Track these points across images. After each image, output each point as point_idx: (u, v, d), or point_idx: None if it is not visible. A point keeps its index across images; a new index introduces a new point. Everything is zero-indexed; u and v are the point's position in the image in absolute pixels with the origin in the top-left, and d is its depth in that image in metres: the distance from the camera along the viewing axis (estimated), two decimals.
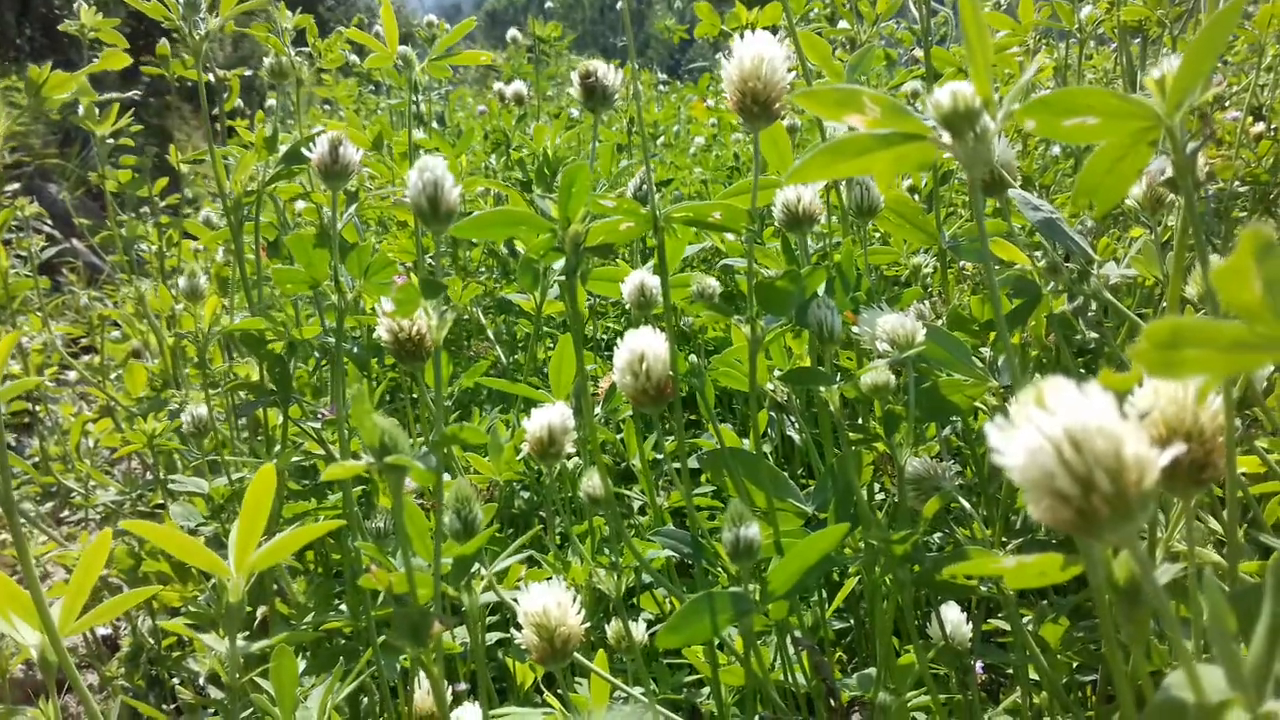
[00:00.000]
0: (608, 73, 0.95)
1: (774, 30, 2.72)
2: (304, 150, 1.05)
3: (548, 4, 6.32)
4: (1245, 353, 0.38)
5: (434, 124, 3.57)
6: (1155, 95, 0.69)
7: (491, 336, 2.47)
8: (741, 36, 0.95)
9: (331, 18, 25.10)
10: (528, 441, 0.99)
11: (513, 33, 3.70)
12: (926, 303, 1.30)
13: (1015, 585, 0.86)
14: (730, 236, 1.69)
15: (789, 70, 0.96)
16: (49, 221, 9.61)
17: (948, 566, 0.67)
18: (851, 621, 1.66)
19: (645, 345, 0.96)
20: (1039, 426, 0.42)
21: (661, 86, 6.79)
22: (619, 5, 4.09)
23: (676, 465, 2.11)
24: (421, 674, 1.08)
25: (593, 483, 1.04)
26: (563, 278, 0.95)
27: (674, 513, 1.79)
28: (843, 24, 2.30)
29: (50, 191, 9.20)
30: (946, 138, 0.62)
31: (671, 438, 2.16)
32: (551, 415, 0.98)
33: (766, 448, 2.23)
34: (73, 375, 3.25)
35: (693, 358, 2.39)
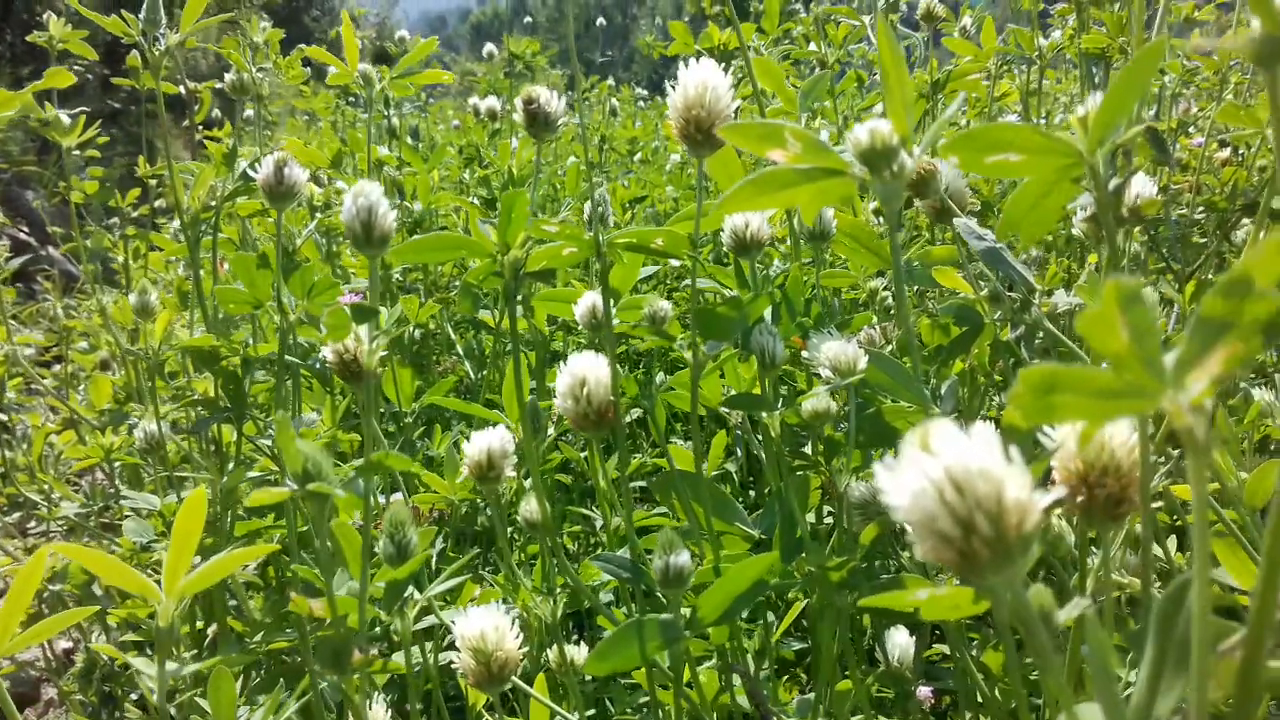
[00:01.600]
0: (550, 99, 0.95)
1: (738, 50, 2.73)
2: (249, 171, 1.05)
3: (526, 19, 6.33)
4: (1115, 399, 0.39)
5: (408, 138, 3.58)
6: (1078, 133, 0.70)
7: (460, 352, 2.47)
8: (686, 64, 0.95)
9: (317, 28, 25.06)
10: (466, 465, 0.99)
11: (489, 48, 3.71)
12: (878, 327, 1.31)
13: (930, 617, 0.86)
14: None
15: (734, 98, 0.97)
16: (25, 229, 9.56)
17: (867, 597, 0.68)
18: (810, 643, 1.67)
19: (587, 370, 0.97)
20: (923, 469, 0.43)
21: (641, 103, 6.81)
22: (599, 22, 4.12)
23: (633, 484, 2.12)
24: (377, 697, 1.08)
25: (530, 507, 1.04)
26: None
27: (636, 531, 1.79)
28: (813, 45, 2.32)
29: (27, 199, 9.15)
30: (865, 174, 0.63)
31: (637, 455, 2.16)
32: (491, 439, 0.98)
33: (731, 466, 2.24)
34: (48, 383, 3.23)
35: (660, 375, 2.41)
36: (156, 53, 1.42)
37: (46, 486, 2.61)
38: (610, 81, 4.58)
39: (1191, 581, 0.44)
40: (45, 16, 2.28)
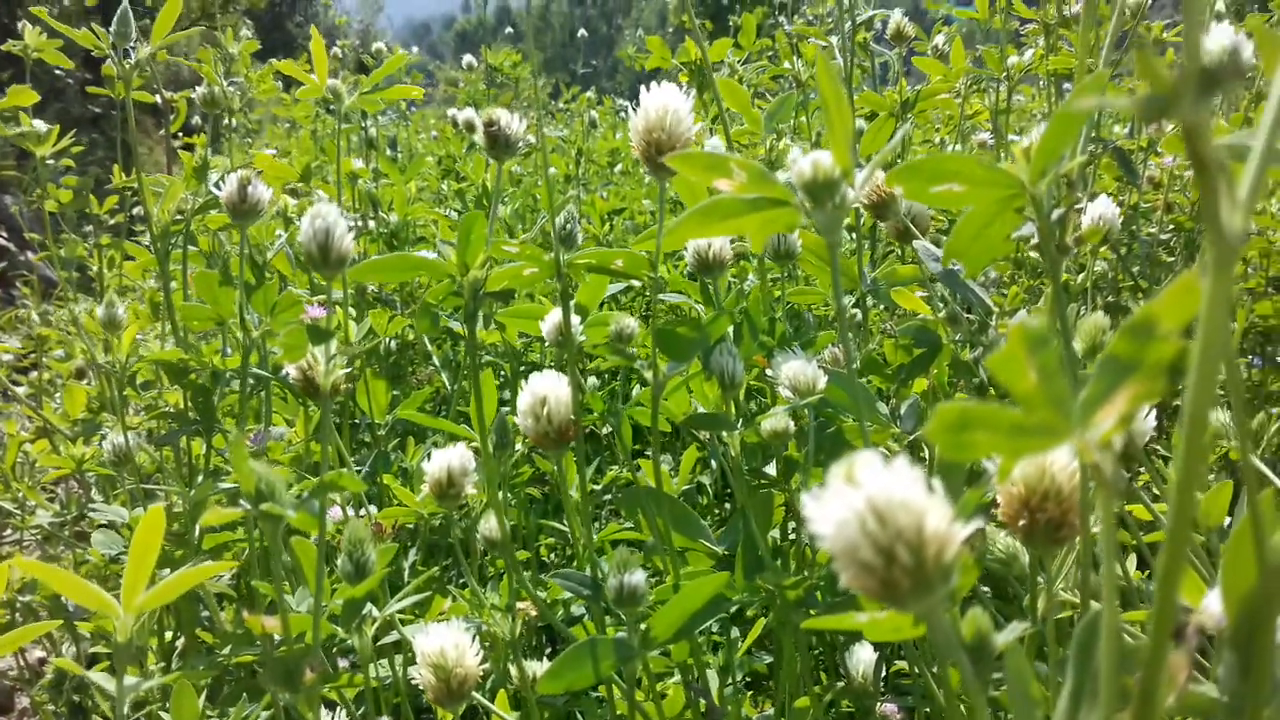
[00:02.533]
0: (511, 122, 0.97)
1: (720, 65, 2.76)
2: (213, 189, 1.06)
3: (508, 29, 6.35)
4: (1026, 437, 0.40)
5: (387, 149, 3.58)
6: (1021, 164, 0.71)
7: (437, 363, 2.48)
8: (648, 92, 0.96)
9: (300, 34, 24.99)
10: (426, 483, 1.00)
11: (468, 59, 3.72)
12: (840, 346, 1.32)
13: (873, 638, 0.88)
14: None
15: (697, 121, 0.98)
16: (4, 234, 9.48)
17: (812, 620, 0.69)
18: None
19: (548, 389, 0.98)
20: (846, 500, 0.44)
21: (623, 114, 6.83)
22: (580, 34, 4.13)
23: (607, 498, 2.12)
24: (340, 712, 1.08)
25: (489, 525, 1.05)
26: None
27: (599, 550, 1.80)
28: (790, 63, 2.34)
29: (5, 203, 9.09)
30: (809, 204, 0.64)
31: (614, 467, 2.17)
32: (450, 457, 0.99)
33: (706, 478, 2.25)
34: (23, 390, 3.21)
35: (636, 388, 2.41)
36: (127, 65, 1.43)
37: (20, 494, 2.61)
38: (590, 94, 4.59)
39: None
40: (21, 26, 2.29)
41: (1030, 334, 0.38)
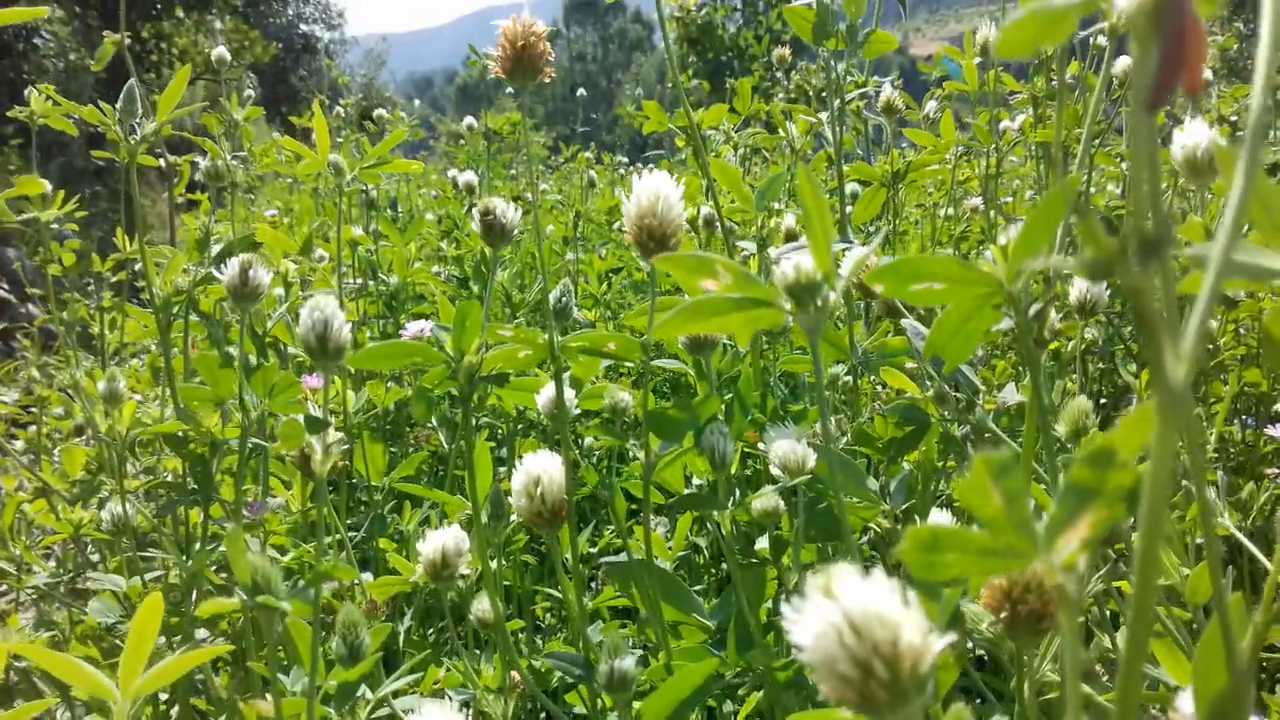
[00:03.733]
0: (506, 210, 0.99)
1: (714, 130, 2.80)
2: (215, 273, 1.08)
3: (508, 89, 6.43)
4: (993, 558, 0.42)
5: (387, 209, 3.62)
6: (998, 262, 0.73)
7: (435, 422, 2.49)
8: (640, 179, 0.99)
9: (304, 87, 25.26)
10: (420, 564, 1.01)
11: (469, 120, 3.78)
12: (832, 419, 1.34)
13: None
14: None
15: (685, 207, 1.00)
16: (5, 286, 9.53)
17: (798, 716, 0.70)
18: None
19: (542, 469, 0.99)
20: (824, 613, 0.46)
21: (621, 172, 6.90)
22: (579, 92, 4.19)
23: (604, 560, 2.12)
24: None
25: (482, 606, 1.06)
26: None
27: (594, 614, 1.80)
28: (782, 130, 2.38)
29: (8, 255, 9.14)
30: (792, 305, 0.66)
31: (612, 527, 2.18)
32: (445, 538, 1.01)
33: (703, 539, 2.26)
34: (20, 445, 3.23)
35: (638, 452, 2.43)
36: (133, 141, 1.46)
37: (17, 553, 2.61)
38: (589, 154, 4.64)
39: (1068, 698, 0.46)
40: (27, 92, 2.32)
41: (994, 462, 0.40)
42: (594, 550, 2.14)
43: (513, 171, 6.15)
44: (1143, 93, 0.31)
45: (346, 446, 1.13)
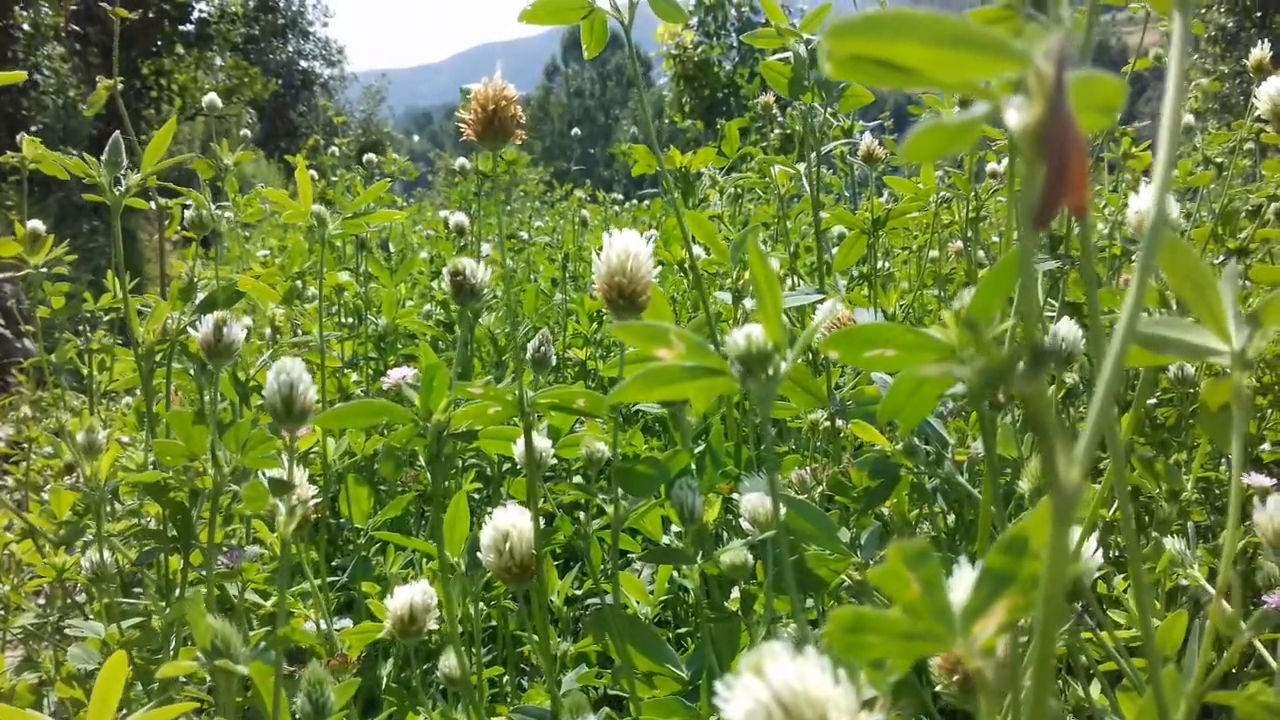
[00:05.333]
0: (476, 271, 1.01)
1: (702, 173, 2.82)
2: (190, 330, 1.09)
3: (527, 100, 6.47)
4: (913, 641, 0.43)
5: (378, 248, 3.64)
6: (951, 328, 0.75)
7: (423, 460, 2.50)
8: (610, 236, 1.01)
9: (303, 123, 25.37)
10: (389, 619, 1.02)
11: (461, 161, 3.81)
12: (809, 468, 1.35)
13: None
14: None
15: (655, 265, 1.02)
16: (0, 321, 9.55)
17: None
18: None
19: (511, 524, 1.00)
20: (753, 692, 0.46)
21: (616, 207, 6.94)
22: (574, 131, 4.24)
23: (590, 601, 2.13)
24: None
25: (449, 663, 1.07)
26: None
27: (579, 658, 1.80)
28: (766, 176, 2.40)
29: (5, 290, 9.16)
30: (744, 374, 0.68)
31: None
32: (413, 593, 1.01)
33: (690, 582, 2.26)
34: (10, 481, 3.23)
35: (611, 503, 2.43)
36: (117, 194, 1.48)
37: (4, 590, 2.61)
38: (581, 193, 4.68)
39: None
40: (20, 137, 2.35)
41: (908, 551, 0.41)
42: (579, 592, 2.15)
43: (509, 207, 6.19)
44: (1029, 211, 0.33)
45: (318, 500, 1.14)
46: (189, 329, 1.43)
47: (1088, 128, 0.36)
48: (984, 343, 0.36)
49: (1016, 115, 0.33)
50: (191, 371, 1.75)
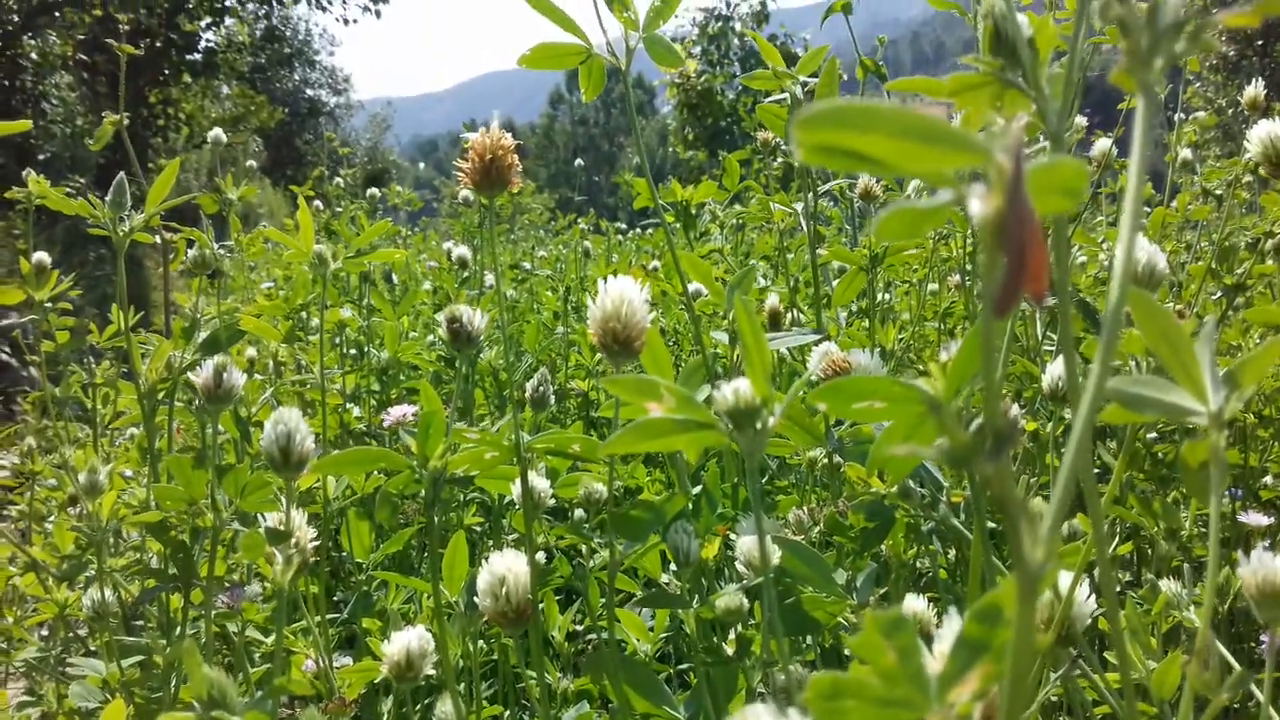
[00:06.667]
0: (472, 318, 1.02)
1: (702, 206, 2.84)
2: (190, 374, 1.11)
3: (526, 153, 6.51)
4: (889, 708, 0.43)
5: (383, 281, 3.67)
6: (937, 379, 0.76)
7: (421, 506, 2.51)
8: (605, 282, 1.02)
9: (309, 151, 25.48)
10: (385, 665, 1.02)
11: (464, 193, 3.84)
12: (805, 509, 1.36)
13: None
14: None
15: (650, 310, 1.03)
16: (6, 349, 9.58)
17: None
18: None
19: (507, 568, 1.01)
20: None
21: (620, 236, 6.97)
22: (577, 163, 4.27)
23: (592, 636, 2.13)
24: None
25: (446, 709, 1.07)
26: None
27: (580, 694, 1.80)
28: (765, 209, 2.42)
29: (11, 318, 9.20)
30: (732, 428, 0.69)
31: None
32: (410, 639, 1.02)
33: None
34: (15, 511, 3.24)
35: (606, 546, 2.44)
36: (120, 234, 1.49)
37: (7, 623, 2.61)
38: (583, 224, 4.71)
39: None
40: (26, 174, 2.37)
41: (884, 621, 0.42)
42: (580, 628, 2.15)
43: (513, 237, 6.22)
44: (991, 299, 0.34)
45: (317, 542, 1.14)
46: (190, 371, 1.44)
47: (1051, 210, 0.37)
48: (949, 422, 0.37)
49: (978, 205, 0.34)
50: (193, 409, 1.77)
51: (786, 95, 1.58)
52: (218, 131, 2.48)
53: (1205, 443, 0.58)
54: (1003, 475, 0.35)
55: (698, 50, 16.86)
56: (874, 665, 0.43)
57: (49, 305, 2.40)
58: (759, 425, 0.68)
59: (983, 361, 0.36)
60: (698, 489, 1.19)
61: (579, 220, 5.00)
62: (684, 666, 2.12)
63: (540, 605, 1.82)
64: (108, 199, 1.49)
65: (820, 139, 0.36)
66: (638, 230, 7.75)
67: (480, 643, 1.88)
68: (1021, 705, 0.37)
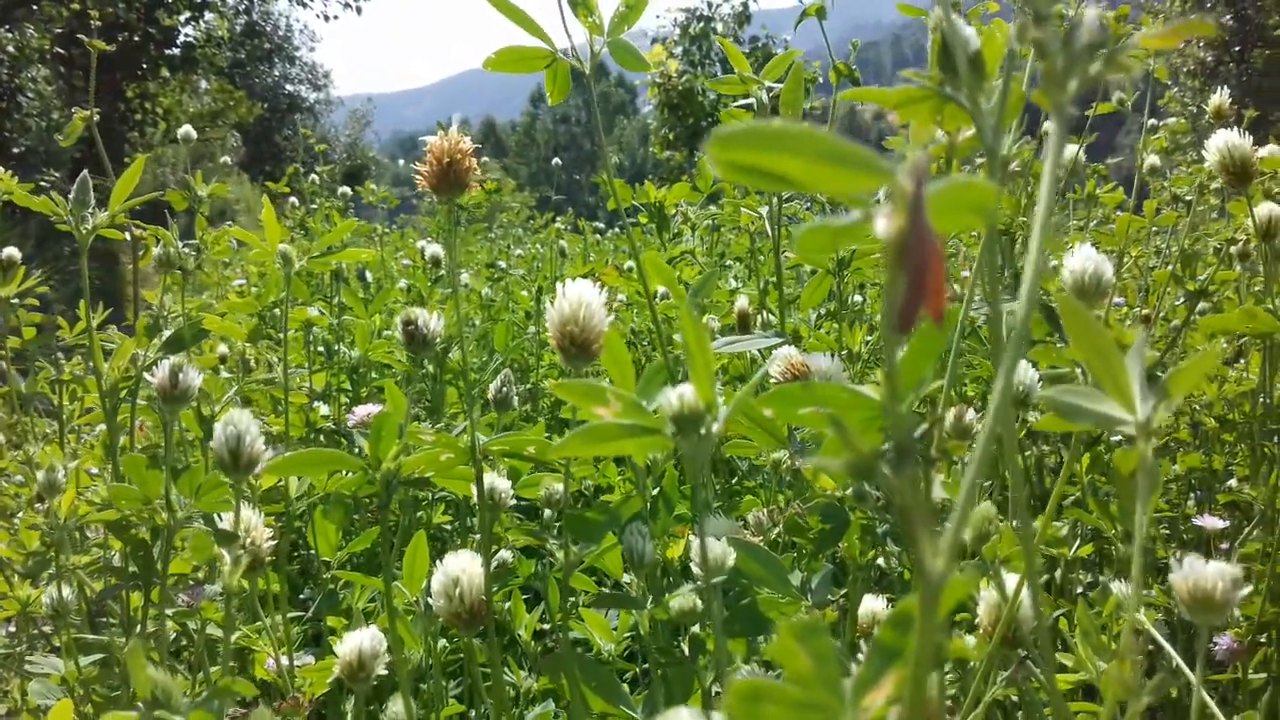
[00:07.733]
0: (428, 321, 1.02)
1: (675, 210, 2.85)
2: (146, 376, 1.11)
3: (485, 158, 6.51)
4: (807, 712, 0.44)
5: (356, 278, 3.66)
6: (884, 386, 0.77)
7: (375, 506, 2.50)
8: (563, 286, 1.02)
9: (288, 147, 25.33)
10: (338, 666, 1.02)
11: None
12: (765, 510, 1.37)
13: None
14: None
15: (609, 313, 1.04)
16: None
17: None
18: None
19: (461, 569, 1.01)
20: None
21: (598, 235, 6.97)
22: (555, 161, 4.27)
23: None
24: None
25: (396, 709, 1.07)
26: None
27: (545, 693, 1.81)
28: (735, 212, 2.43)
29: None
30: (677, 433, 0.70)
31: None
32: (361, 640, 1.02)
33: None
34: None
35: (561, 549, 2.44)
36: (84, 231, 1.49)
37: None
38: (560, 224, 4.71)
39: None
40: None
41: (798, 628, 0.42)
42: (547, 627, 2.15)
43: (491, 235, 6.20)
44: (891, 317, 0.34)
45: (275, 541, 1.15)
46: (148, 371, 1.44)
47: (962, 228, 0.38)
48: (850, 439, 0.38)
49: (883, 225, 0.35)
50: (155, 407, 1.76)
51: (753, 100, 1.60)
52: (188, 128, 2.46)
53: (1135, 451, 0.60)
54: (908, 488, 0.36)
55: (679, 51, 16.89)
56: (789, 671, 0.44)
57: (15, 301, 2.39)
58: (703, 431, 0.68)
59: (885, 383, 0.37)
60: (656, 490, 1.20)
61: (556, 220, 5.00)
62: (648, 665, 2.13)
63: (507, 605, 1.83)
64: (71, 197, 1.49)
65: (735, 158, 0.37)
66: (616, 229, 7.76)
67: (445, 642, 1.89)
68: (922, 710, 0.38)
